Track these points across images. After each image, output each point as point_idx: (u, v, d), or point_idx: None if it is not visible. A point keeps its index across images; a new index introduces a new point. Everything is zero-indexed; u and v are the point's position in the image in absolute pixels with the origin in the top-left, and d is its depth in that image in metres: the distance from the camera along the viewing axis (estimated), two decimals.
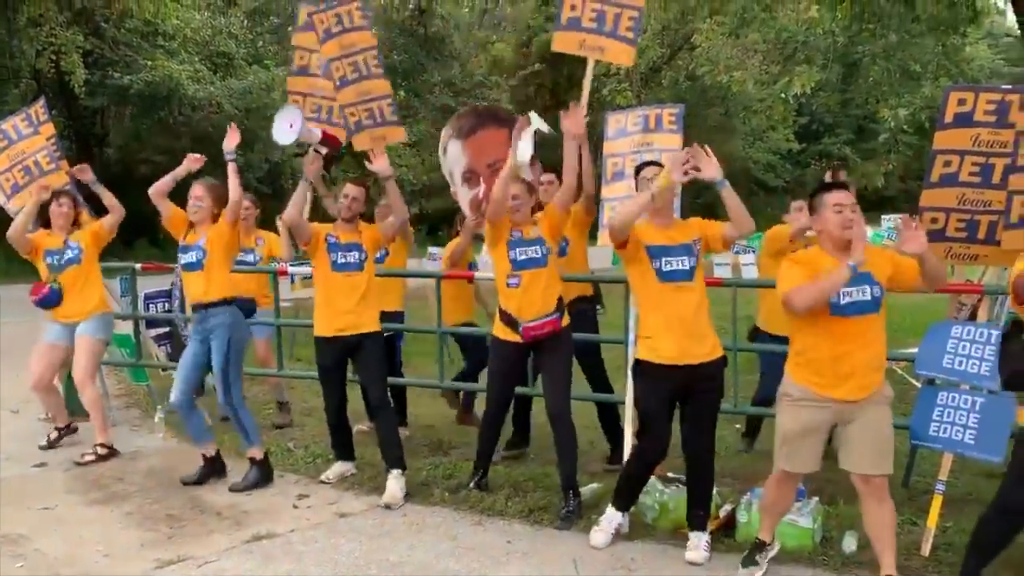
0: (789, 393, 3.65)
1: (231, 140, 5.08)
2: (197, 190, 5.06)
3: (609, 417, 5.39)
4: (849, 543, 4.06)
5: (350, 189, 5.04)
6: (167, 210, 5.13)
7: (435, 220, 28.13)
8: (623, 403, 4.93)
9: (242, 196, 5.12)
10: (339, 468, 5.21)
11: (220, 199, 5.04)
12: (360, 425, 5.70)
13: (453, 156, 5.90)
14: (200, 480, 5.16)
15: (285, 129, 4.90)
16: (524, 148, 4.59)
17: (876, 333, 3.55)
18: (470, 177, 5.81)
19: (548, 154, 5.23)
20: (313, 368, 5.37)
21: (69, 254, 5.70)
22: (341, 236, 4.99)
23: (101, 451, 5.61)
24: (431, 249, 15.87)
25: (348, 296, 4.94)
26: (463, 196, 5.89)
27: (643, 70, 22.24)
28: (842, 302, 3.46)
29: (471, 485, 4.85)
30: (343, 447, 5.25)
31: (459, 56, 30.65)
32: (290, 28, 12.39)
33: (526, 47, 31.09)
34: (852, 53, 10.67)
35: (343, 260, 4.96)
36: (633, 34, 5.12)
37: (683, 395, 4.01)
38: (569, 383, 4.65)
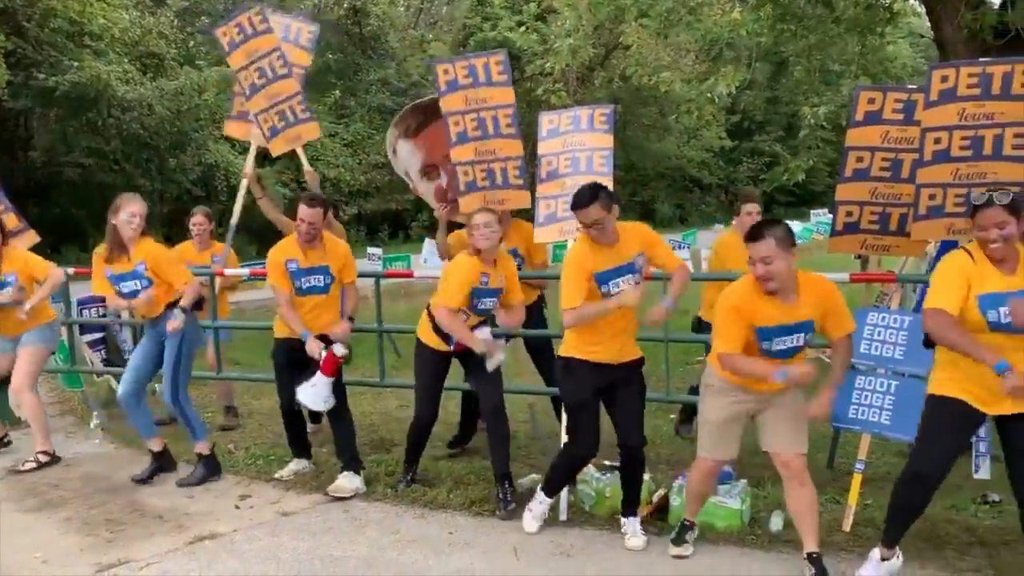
0: (711, 384, 3.83)
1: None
2: (135, 207, 4.91)
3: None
4: (776, 522, 4.26)
5: (304, 213, 4.79)
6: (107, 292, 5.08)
7: (373, 220, 28.01)
8: None
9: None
10: (293, 466, 5.26)
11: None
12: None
13: (405, 155, 5.83)
14: (151, 476, 5.18)
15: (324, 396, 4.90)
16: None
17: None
18: (429, 171, 5.78)
19: None
20: (253, 370, 5.36)
21: None
22: (303, 260, 4.89)
23: (43, 459, 5.52)
24: (370, 250, 15.85)
25: (311, 312, 4.95)
26: (425, 190, 5.87)
27: (578, 70, 22.51)
28: (773, 350, 3.62)
29: (403, 484, 4.92)
30: (296, 444, 5.28)
31: (395, 55, 30.55)
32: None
33: (463, 46, 31.12)
34: (777, 53, 10.99)
35: (307, 285, 4.92)
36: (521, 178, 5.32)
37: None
38: (502, 380, 4.77)
